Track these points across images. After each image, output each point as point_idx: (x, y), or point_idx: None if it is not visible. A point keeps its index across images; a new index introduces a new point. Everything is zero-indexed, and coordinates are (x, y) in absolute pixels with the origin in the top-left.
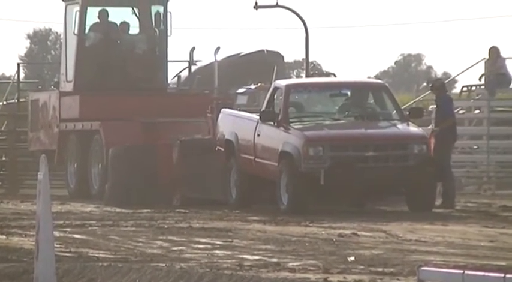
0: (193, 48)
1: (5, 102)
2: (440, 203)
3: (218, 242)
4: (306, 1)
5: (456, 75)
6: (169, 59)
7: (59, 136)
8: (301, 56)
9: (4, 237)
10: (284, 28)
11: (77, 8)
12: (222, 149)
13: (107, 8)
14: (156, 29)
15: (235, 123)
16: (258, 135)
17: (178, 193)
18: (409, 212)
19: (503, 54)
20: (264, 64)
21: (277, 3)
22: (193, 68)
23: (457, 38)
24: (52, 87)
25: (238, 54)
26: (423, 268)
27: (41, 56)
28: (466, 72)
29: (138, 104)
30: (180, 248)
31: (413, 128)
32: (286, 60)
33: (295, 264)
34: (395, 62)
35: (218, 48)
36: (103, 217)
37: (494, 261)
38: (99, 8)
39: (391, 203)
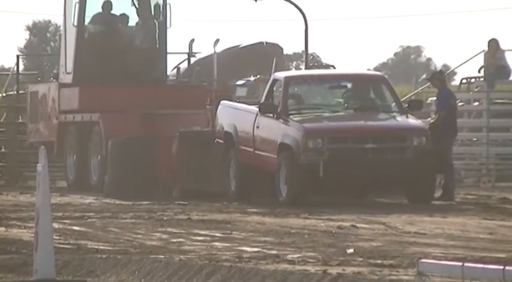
0: (193, 40)
1: (4, 94)
2: (439, 195)
3: (217, 234)
4: None
5: (455, 68)
6: (168, 50)
7: (59, 128)
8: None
9: (3, 229)
10: (283, 20)
11: None
12: (221, 141)
13: None
14: (155, 21)
15: (234, 115)
16: (257, 127)
17: (178, 185)
18: (409, 204)
19: (502, 46)
20: (263, 56)
21: None
22: (193, 59)
23: (457, 30)
24: (51, 78)
25: (238, 46)
26: (422, 260)
27: (40, 48)
28: (466, 64)
29: (138, 95)
30: (179, 240)
31: (412, 120)
32: (285, 52)
33: (294, 256)
34: (395, 54)
35: (217, 40)
36: (102, 209)
37: (493, 253)
38: (99, 0)
39: (391, 195)
